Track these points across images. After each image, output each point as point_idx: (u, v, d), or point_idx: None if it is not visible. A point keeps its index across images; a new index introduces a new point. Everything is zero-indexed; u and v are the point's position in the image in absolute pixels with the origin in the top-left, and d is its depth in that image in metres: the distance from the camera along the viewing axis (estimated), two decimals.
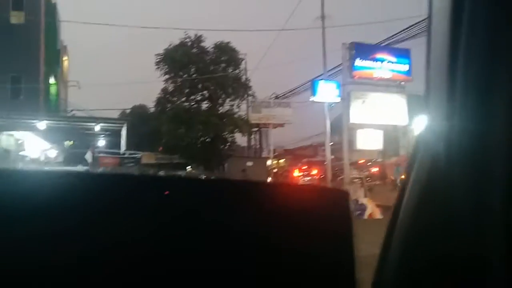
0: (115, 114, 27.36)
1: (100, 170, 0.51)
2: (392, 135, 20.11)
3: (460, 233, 0.44)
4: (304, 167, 28.50)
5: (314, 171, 26.79)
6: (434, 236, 0.49)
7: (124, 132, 19.93)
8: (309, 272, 0.49)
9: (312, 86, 15.47)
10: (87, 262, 0.42)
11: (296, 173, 27.29)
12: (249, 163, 20.25)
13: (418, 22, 14.76)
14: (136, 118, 26.00)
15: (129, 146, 22.76)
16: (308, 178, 27.39)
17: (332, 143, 17.18)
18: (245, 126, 20.42)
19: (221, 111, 20.44)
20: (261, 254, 0.47)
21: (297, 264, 0.48)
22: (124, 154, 22.20)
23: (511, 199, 0.37)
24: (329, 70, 16.67)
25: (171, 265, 0.44)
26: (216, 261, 0.45)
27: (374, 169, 21.74)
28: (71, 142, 22.29)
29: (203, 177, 0.51)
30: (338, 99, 15.22)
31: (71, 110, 26.61)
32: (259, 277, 0.47)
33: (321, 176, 25.34)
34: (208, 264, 0.45)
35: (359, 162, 19.72)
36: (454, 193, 0.45)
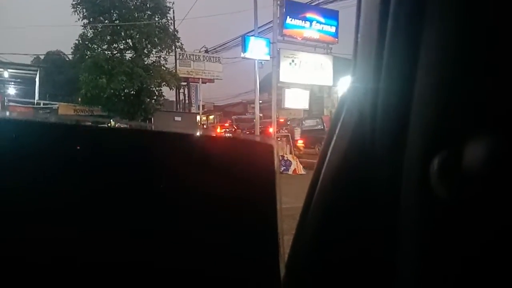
0: (27, 60, 24.73)
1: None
2: (317, 96, 20.87)
3: (379, 195, 0.46)
4: (226, 124, 28.81)
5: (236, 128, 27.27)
6: (353, 197, 0.51)
7: (37, 80, 18.12)
8: (233, 223, 0.49)
9: (242, 42, 15.25)
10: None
11: (219, 129, 27.51)
12: (178, 118, 19.78)
13: None
14: (52, 65, 23.73)
15: (44, 95, 20.88)
16: (230, 135, 27.56)
17: (261, 101, 17.38)
18: (173, 79, 19.68)
19: (146, 62, 19.40)
20: (183, 205, 0.47)
21: (221, 216, 0.48)
22: (39, 104, 20.36)
23: (430, 161, 0.38)
24: (260, 27, 16.51)
25: (96, 220, 0.42)
26: (141, 212, 0.44)
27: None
28: None
29: (128, 126, 0.49)
30: (268, 57, 15.23)
31: None
32: (180, 232, 0.46)
33: (245, 133, 25.78)
34: (134, 215, 0.44)
35: (279, 120, 20.13)
36: (377, 153, 0.47)
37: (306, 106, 17.16)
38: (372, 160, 0.47)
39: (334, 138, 0.55)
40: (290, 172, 13.60)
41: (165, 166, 0.47)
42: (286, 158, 14.10)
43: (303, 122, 21.03)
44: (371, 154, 0.48)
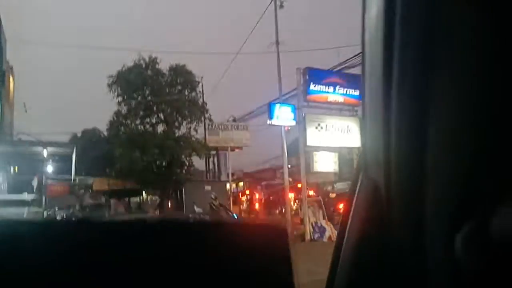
0: (65, 138, 26.25)
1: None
2: (347, 158, 20.69)
3: (400, 263, 0.45)
4: (247, 192, 28.76)
5: (256, 195, 27.06)
6: (375, 263, 0.50)
7: (74, 157, 19.01)
8: None
9: (268, 109, 15.66)
10: None
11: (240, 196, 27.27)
12: (207, 187, 19.91)
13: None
14: (87, 142, 24.98)
15: (79, 171, 21.73)
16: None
17: (289, 166, 17.34)
18: (202, 149, 20.16)
19: (177, 134, 20.11)
20: None
21: None
22: (75, 180, 21.16)
23: (453, 222, 0.37)
24: (285, 94, 17.01)
25: None
26: None
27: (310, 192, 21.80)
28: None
29: (144, 218, 0.51)
30: (294, 123, 15.48)
31: (17, 134, 25.10)
32: None
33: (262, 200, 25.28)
34: None
35: (298, 185, 19.57)
36: (394, 218, 0.46)
37: (336, 169, 16.94)
38: (391, 235, 0.46)
39: (352, 207, 0.54)
40: (325, 239, 13.05)
41: (175, 257, 0.46)
42: (320, 225, 13.62)
43: (335, 185, 20.69)
44: (389, 225, 0.46)
